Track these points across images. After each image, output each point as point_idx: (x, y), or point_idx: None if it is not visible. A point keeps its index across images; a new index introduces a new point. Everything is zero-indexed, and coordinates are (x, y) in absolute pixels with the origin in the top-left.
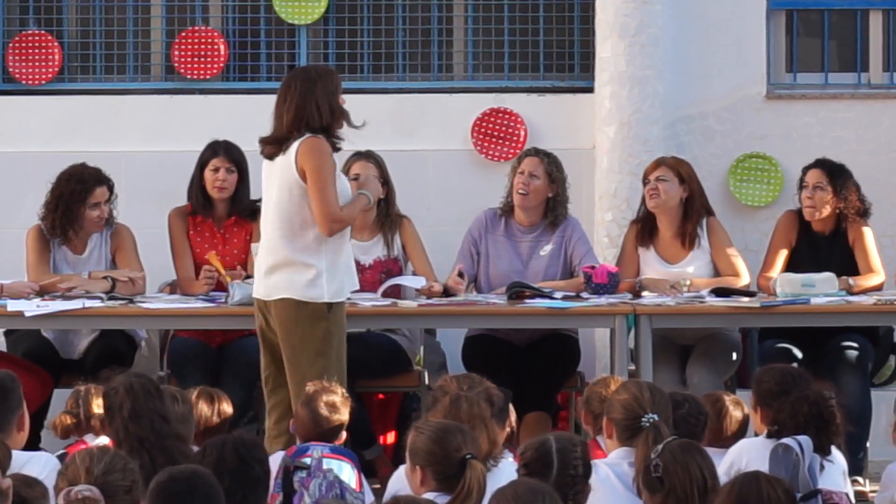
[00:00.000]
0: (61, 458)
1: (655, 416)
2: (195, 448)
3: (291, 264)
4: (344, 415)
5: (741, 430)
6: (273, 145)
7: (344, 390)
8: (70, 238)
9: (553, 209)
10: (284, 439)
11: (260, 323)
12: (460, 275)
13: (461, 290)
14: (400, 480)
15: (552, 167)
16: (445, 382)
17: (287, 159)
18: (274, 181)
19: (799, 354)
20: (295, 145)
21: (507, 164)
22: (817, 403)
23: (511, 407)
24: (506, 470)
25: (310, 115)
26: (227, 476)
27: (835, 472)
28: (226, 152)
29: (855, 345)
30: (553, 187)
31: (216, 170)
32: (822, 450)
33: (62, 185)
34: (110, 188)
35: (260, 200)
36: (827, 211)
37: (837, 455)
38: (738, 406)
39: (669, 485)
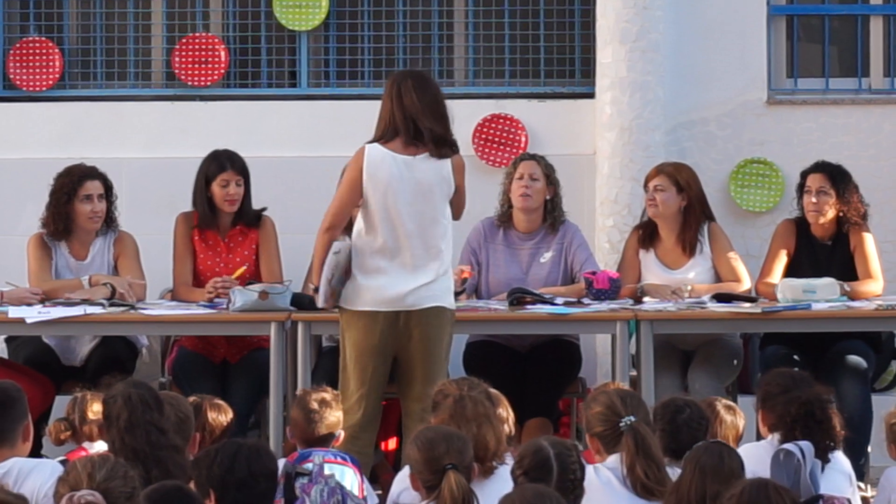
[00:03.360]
0: (64, 464)
1: (632, 418)
2: (191, 456)
3: (438, 272)
4: (336, 412)
5: (736, 436)
6: (405, 144)
7: (336, 392)
8: (69, 237)
9: (552, 211)
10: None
11: (380, 334)
12: (463, 272)
13: (467, 276)
14: (403, 482)
15: (549, 169)
16: (444, 386)
17: (440, 171)
18: (417, 186)
19: (800, 360)
20: (449, 160)
21: None
22: (809, 403)
23: (510, 411)
24: (504, 474)
25: (443, 120)
26: (235, 484)
27: (838, 477)
28: (233, 165)
29: (856, 350)
30: (551, 189)
31: (226, 184)
32: (819, 450)
33: (55, 183)
34: (106, 184)
35: (264, 209)
36: (831, 215)
37: (841, 459)
38: (730, 411)
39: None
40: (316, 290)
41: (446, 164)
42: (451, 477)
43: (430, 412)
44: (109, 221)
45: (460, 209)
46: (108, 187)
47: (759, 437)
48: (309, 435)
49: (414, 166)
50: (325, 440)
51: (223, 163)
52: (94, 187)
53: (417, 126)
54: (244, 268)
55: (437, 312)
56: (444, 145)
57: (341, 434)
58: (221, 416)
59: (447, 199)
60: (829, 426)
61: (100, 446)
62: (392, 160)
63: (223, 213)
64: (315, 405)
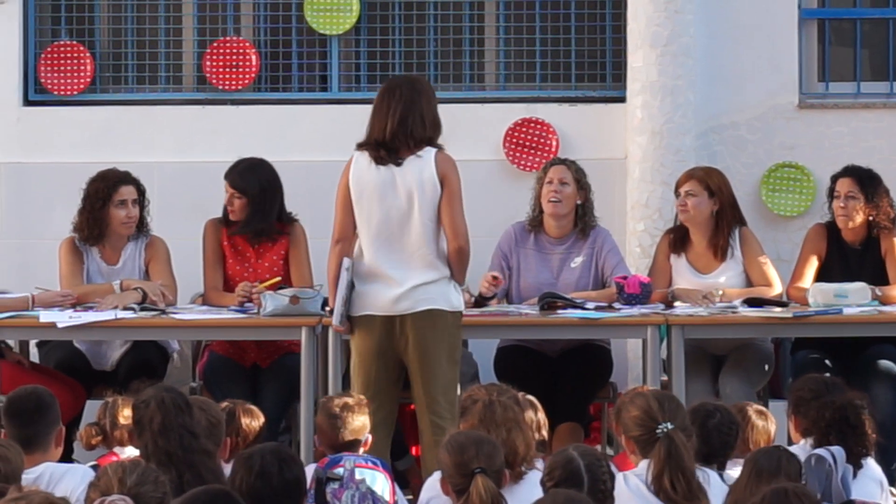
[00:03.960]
0: (95, 469)
1: (669, 425)
2: (223, 461)
3: (434, 276)
4: (361, 417)
5: (767, 441)
6: (380, 150)
7: (360, 396)
8: (102, 242)
9: (583, 216)
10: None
11: (377, 338)
12: (495, 278)
13: (496, 289)
14: (433, 488)
15: (579, 174)
16: (473, 392)
17: (422, 173)
18: (399, 190)
19: (831, 365)
20: (430, 157)
21: None
22: (843, 408)
23: (542, 416)
24: (534, 479)
25: (414, 125)
26: (264, 487)
27: (869, 483)
28: (233, 179)
29: (888, 355)
30: (582, 193)
31: (228, 194)
32: (851, 456)
33: (89, 188)
34: (140, 189)
35: (296, 214)
36: (860, 219)
37: (873, 465)
38: (761, 416)
39: None
40: (332, 311)
41: (428, 164)
42: (479, 481)
43: (438, 415)
44: (141, 226)
45: (455, 223)
46: (141, 192)
47: (790, 443)
48: (335, 441)
49: (395, 172)
50: (352, 445)
51: (227, 174)
52: (128, 192)
53: (399, 134)
54: (277, 279)
55: (431, 315)
56: (420, 144)
57: (369, 438)
58: (254, 421)
59: (434, 202)
60: (863, 431)
61: (130, 451)
62: (375, 167)
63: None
64: (338, 410)
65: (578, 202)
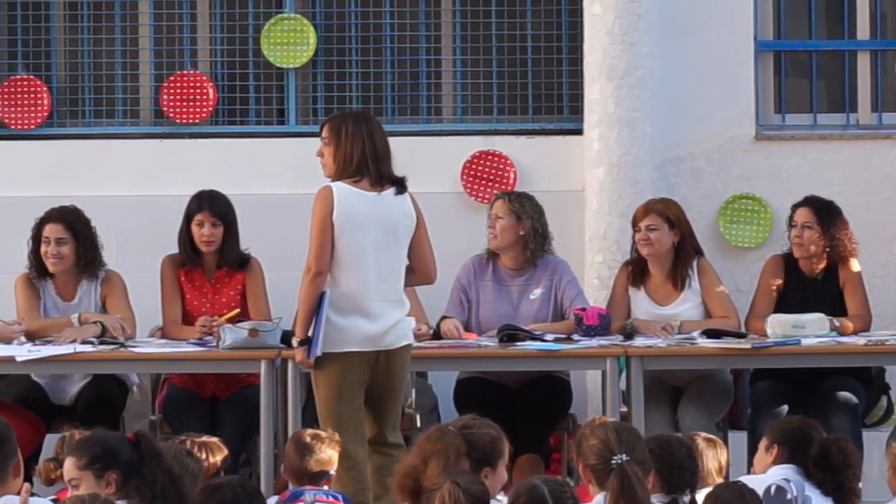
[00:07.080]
0: (54, 503)
1: (624, 457)
2: None
3: (406, 310)
4: (329, 450)
5: (718, 470)
6: (369, 180)
7: (333, 432)
8: (53, 278)
9: (526, 245)
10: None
11: (360, 372)
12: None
13: (456, 335)
14: None
15: (515, 204)
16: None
17: (403, 207)
18: (382, 222)
19: (790, 396)
20: (406, 193)
21: None
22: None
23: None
24: None
25: (386, 159)
26: None
27: None
28: (210, 206)
29: (846, 385)
30: (522, 224)
31: (201, 224)
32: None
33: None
34: (71, 227)
35: (248, 249)
36: (814, 249)
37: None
38: (711, 445)
39: None
40: (301, 342)
41: (406, 200)
42: (446, 487)
43: (388, 445)
44: (89, 263)
45: (432, 257)
46: (72, 230)
47: (749, 472)
48: (300, 469)
49: (381, 203)
50: (317, 478)
51: (201, 203)
52: (51, 231)
53: (380, 165)
54: (236, 311)
55: (407, 351)
56: (401, 183)
57: (333, 475)
58: (217, 454)
59: (408, 238)
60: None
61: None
62: (363, 198)
63: (205, 255)
64: (308, 439)
65: (521, 233)
